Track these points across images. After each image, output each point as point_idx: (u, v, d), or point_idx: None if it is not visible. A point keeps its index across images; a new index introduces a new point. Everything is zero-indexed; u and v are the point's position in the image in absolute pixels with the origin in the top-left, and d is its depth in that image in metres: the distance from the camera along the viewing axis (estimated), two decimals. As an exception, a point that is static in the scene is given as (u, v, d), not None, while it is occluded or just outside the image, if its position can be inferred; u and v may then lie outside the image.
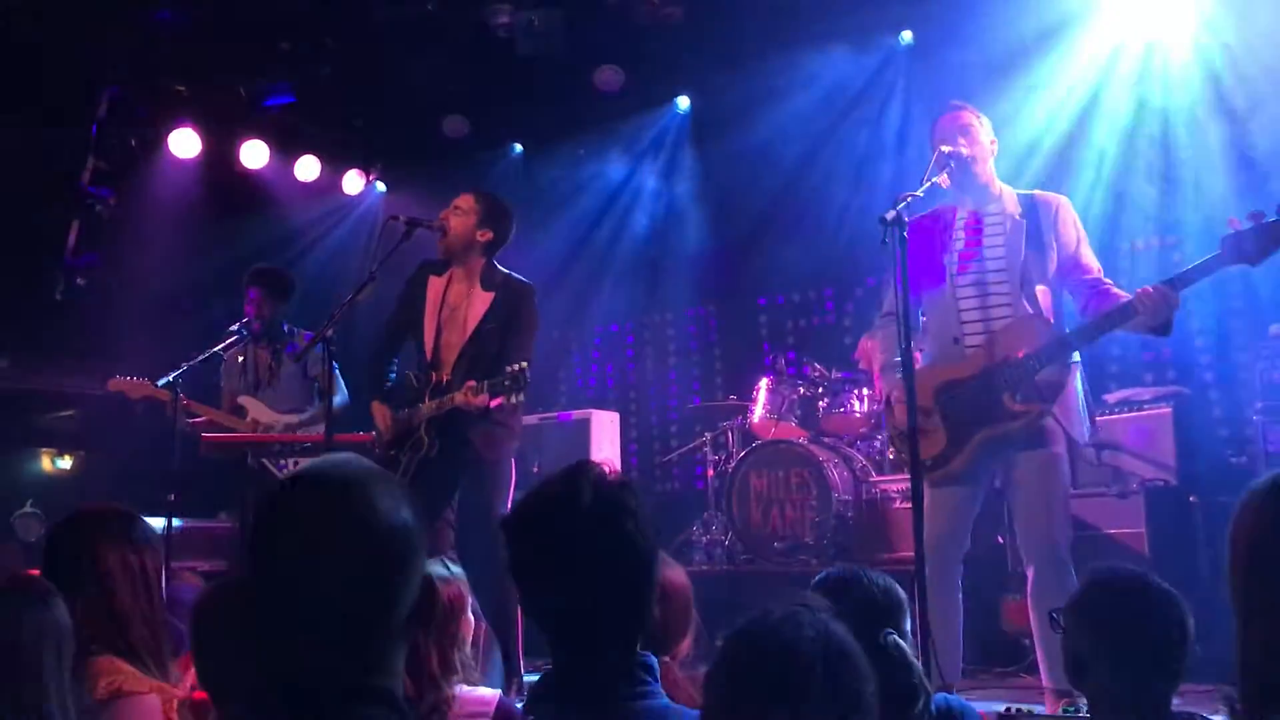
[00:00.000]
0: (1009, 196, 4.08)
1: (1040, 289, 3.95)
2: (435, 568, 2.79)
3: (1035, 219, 4.00)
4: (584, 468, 1.79)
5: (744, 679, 1.43)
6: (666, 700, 1.75)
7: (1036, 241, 3.97)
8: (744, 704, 1.42)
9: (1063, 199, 4.09)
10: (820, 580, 2.37)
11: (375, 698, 1.42)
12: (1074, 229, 4.04)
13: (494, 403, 4.38)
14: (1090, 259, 4.03)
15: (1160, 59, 6.44)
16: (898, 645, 1.94)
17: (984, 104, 4.34)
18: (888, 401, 4.18)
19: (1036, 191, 4.13)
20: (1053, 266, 3.98)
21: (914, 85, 7.18)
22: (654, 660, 1.78)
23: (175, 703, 2.27)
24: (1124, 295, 3.81)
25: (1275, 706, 1.25)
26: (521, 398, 4.35)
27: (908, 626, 2.14)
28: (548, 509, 1.75)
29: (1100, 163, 6.53)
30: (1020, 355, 3.84)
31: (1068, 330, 3.93)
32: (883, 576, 2.26)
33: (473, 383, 4.36)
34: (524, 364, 4.24)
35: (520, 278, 4.76)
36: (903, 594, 2.20)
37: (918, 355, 4.22)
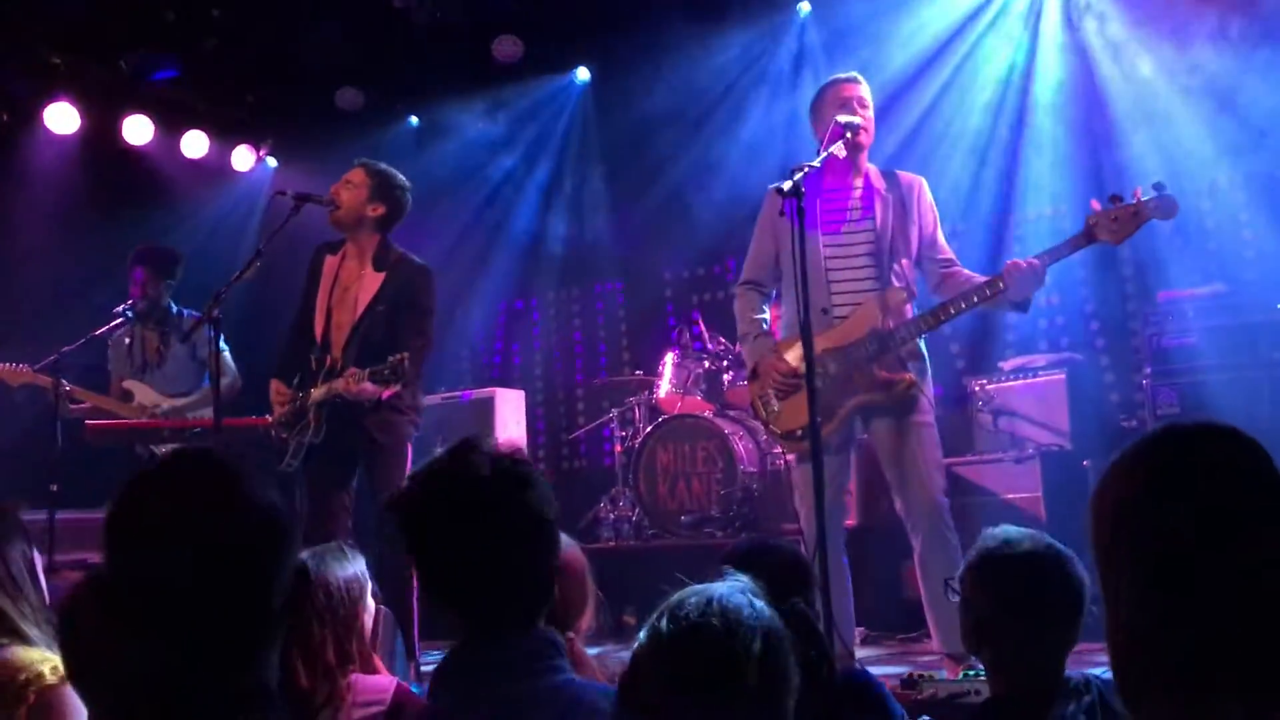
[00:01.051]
0: (874, 171, 4.17)
1: (905, 263, 4.10)
2: (333, 554, 2.71)
3: (899, 194, 4.12)
4: (473, 442, 1.74)
5: (678, 670, 1.40)
6: (574, 676, 1.73)
7: (901, 217, 4.09)
8: (676, 695, 1.37)
9: (922, 179, 4.23)
10: (731, 551, 2.35)
11: (253, 694, 1.35)
12: (931, 210, 4.20)
13: (386, 394, 4.28)
14: (944, 241, 4.20)
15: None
16: (804, 614, 1.93)
17: (874, 75, 4.39)
18: (752, 371, 4.20)
19: (899, 170, 4.25)
20: (915, 243, 4.09)
21: (812, 57, 7.21)
22: (559, 638, 1.75)
23: None
24: (976, 276, 4.00)
25: (1148, 691, 1.22)
26: (414, 383, 4.28)
27: (814, 595, 2.14)
28: (443, 485, 1.70)
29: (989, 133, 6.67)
30: (890, 327, 3.91)
31: (929, 306, 4.02)
32: (791, 547, 2.25)
33: (354, 370, 4.27)
34: (404, 354, 4.14)
35: (415, 258, 4.66)
36: (810, 565, 2.20)
37: (777, 325, 4.29)
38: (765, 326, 4.24)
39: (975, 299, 3.87)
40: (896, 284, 4.01)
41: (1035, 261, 3.77)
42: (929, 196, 4.18)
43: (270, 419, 4.66)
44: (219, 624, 1.34)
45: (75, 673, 2.12)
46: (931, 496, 3.91)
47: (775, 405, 4.10)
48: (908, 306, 4.00)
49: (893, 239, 4.04)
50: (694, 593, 1.47)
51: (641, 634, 1.47)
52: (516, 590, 1.69)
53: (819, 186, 4.10)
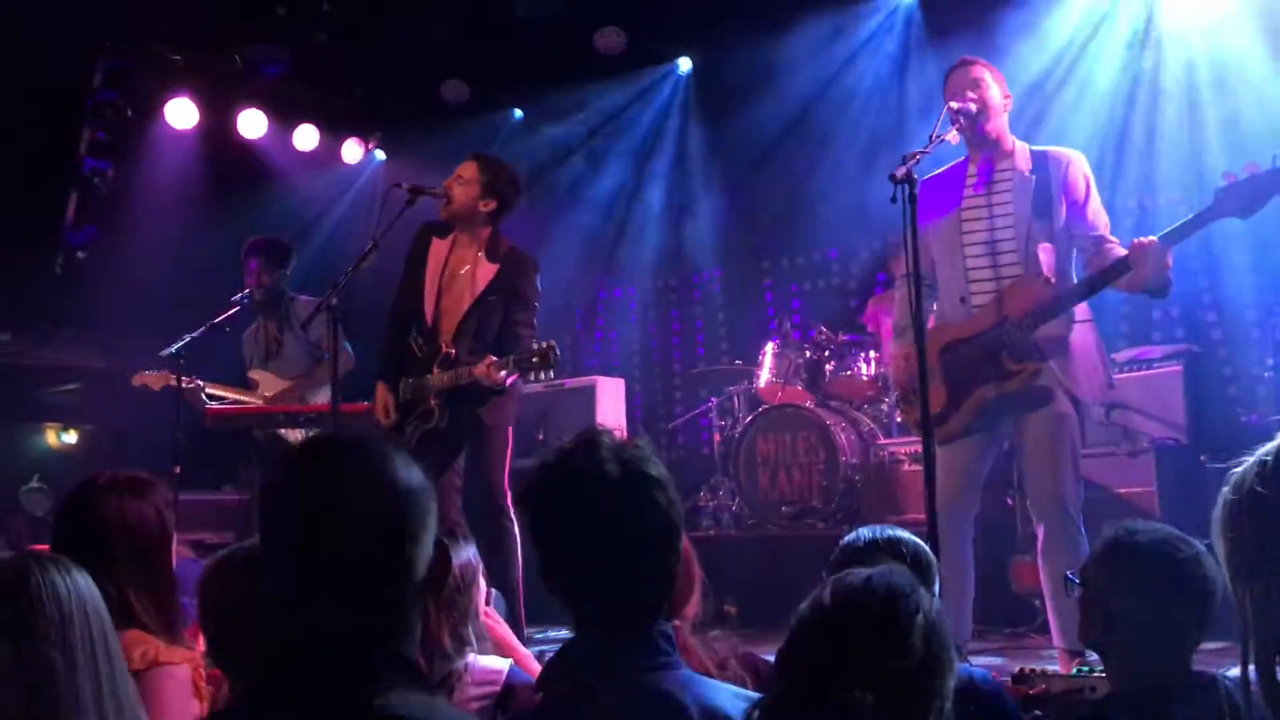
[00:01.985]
0: (1021, 153, 4.02)
1: (1044, 247, 3.92)
2: (448, 539, 2.77)
3: (1045, 176, 3.95)
4: (599, 436, 1.73)
5: (843, 644, 1.39)
6: (688, 670, 1.72)
7: (1044, 199, 3.93)
8: (839, 668, 1.38)
9: (1076, 154, 4.03)
10: (850, 541, 2.33)
11: (396, 664, 1.40)
12: (1083, 184, 3.98)
13: (510, 379, 4.37)
14: (1097, 216, 3.98)
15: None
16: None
17: (999, 59, 4.29)
18: (893, 362, 4.17)
19: (1050, 148, 4.07)
20: (1059, 224, 3.94)
21: (926, 42, 7.10)
22: (671, 630, 1.74)
23: (203, 672, 2.26)
24: (1123, 252, 3.78)
25: None
26: (550, 374, 4.35)
27: (936, 589, 2.11)
28: (572, 482, 1.70)
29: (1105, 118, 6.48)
30: (1019, 314, 3.82)
31: (1064, 289, 3.90)
32: (912, 538, 2.23)
33: (493, 359, 4.33)
34: (551, 343, 4.23)
35: (524, 251, 4.74)
36: (932, 556, 2.18)
37: (932, 316, 4.19)
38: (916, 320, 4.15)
39: (1101, 281, 3.72)
40: (1032, 270, 3.88)
41: (1155, 240, 3.59)
42: (1082, 170, 3.97)
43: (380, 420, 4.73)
44: (371, 595, 1.40)
45: (216, 644, 2.21)
46: (1058, 490, 3.81)
47: (913, 397, 4.05)
48: (1044, 292, 3.84)
49: (1031, 223, 3.90)
50: (851, 573, 1.47)
51: (801, 607, 1.47)
52: (637, 591, 1.69)
53: (960, 172, 4.03)
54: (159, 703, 2.14)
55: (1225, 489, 1.45)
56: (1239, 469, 1.45)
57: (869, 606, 1.41)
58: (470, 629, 2.63)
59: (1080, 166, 4.00)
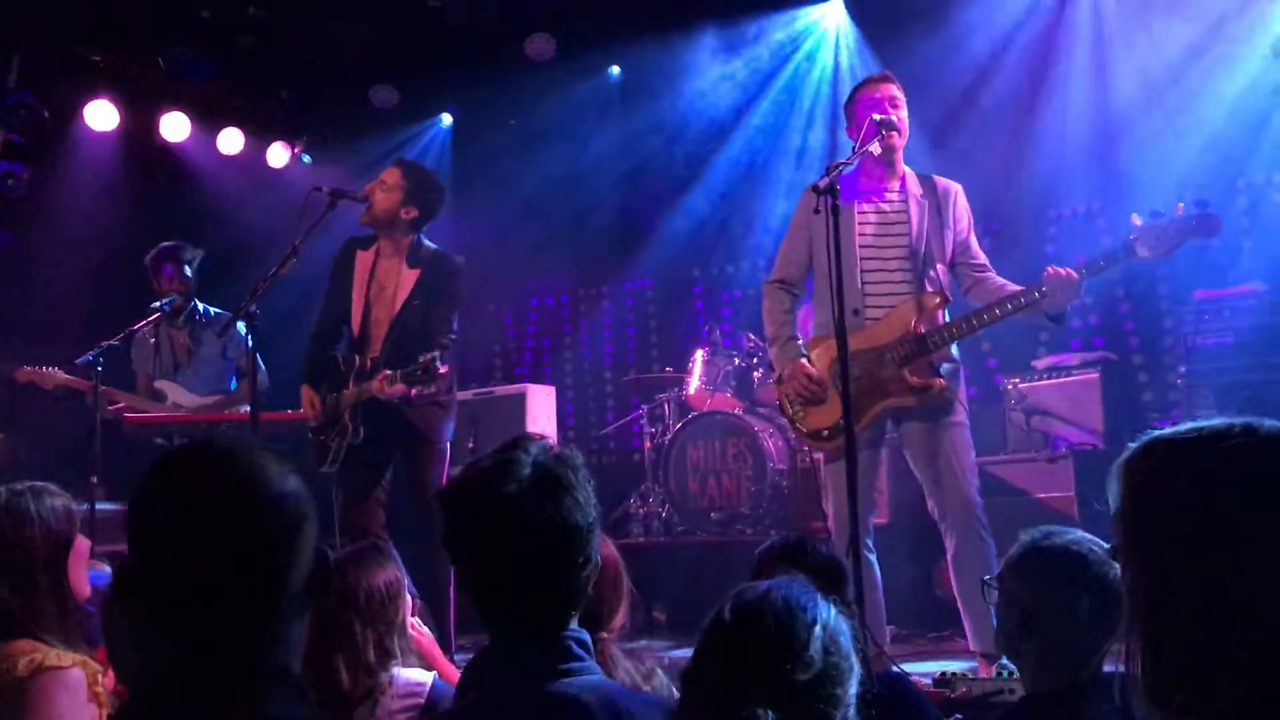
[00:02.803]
0: (910, 175, 4.16)
1: (940, 268, 4.09)
2: (370, 555, 2.75)
3: (936, 200, 4.09)
4: (522, 441, 1.74)
5: (740, 656, 1.41)
6: (601, 676, 1.72)
7: (937, 222, 4.08)
8: (738, 680, 1.39)
9: (958, 185, 4.23)
10: (769, 548, 2.36)
11: (270, 675, 1.37)
12: (966, 216, 4.19)
13: (413, 393, 4.33)
14: (977, 246, 4.19)
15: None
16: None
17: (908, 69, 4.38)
18: (779, 377, 4.20)
19: (935, 176, 4.23)
20: (949, 248, 4.07)
21: (840, 58, 7.22)
22: (588, 636, 1.74)
23: (98, 676, 2.21)
24: (1009, 284, 3.99)
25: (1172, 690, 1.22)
26: (446, 379, 4.32)
27: (850, 595, 2.14)
28: (484, 482, 1.70)
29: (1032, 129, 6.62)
30: (920, 331, 3.90)
31: (963, 311, 4.00)
32: (827, 545, 2.25)
33: (386, 373, 4.31)
34: (434, 354, 4.18)
35: (448, 253, 4.69)
36: (846, 563, 2.21)
37: (809, 325, 4.28)
38: (793, 330, 4.22)
39: (1010, 306, 3.86)
40: (930, 288, 4.00)
41: (1073, 272, 3.74)
42: (964, 201, 4.17)
43: (305, 415, 4.70)
44: (235, 608, 1.37)
45: (112, 658, 2.17)
46: (966, 497, 3.91)
47: (793, 409, 4.13)
48: (941, 312, 3.99)
49: (928, 243, 4.03)
50: (751, 587, 1.49)
51: (704, 624, 1.49)
52: (544, 596, 1.69)
53: (855, 188, 4.10)
54: (47, 707, 2.10)
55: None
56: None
57: (766, 620, 1.42)
58: (396, 642, 2.62)
59: (963, 198, 4.20)
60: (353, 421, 4.50)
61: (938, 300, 3.98)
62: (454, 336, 4.57)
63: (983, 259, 4.16)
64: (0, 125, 6.89)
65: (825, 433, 4.01)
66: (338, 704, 2.47)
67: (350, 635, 2.53)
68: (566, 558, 1.69)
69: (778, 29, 7.31)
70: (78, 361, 5.55)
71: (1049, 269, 3.80)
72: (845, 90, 7.15)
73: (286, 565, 1.40)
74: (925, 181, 4.14)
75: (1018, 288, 3.92)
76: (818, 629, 1.41)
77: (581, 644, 1.71)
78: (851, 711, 1.41)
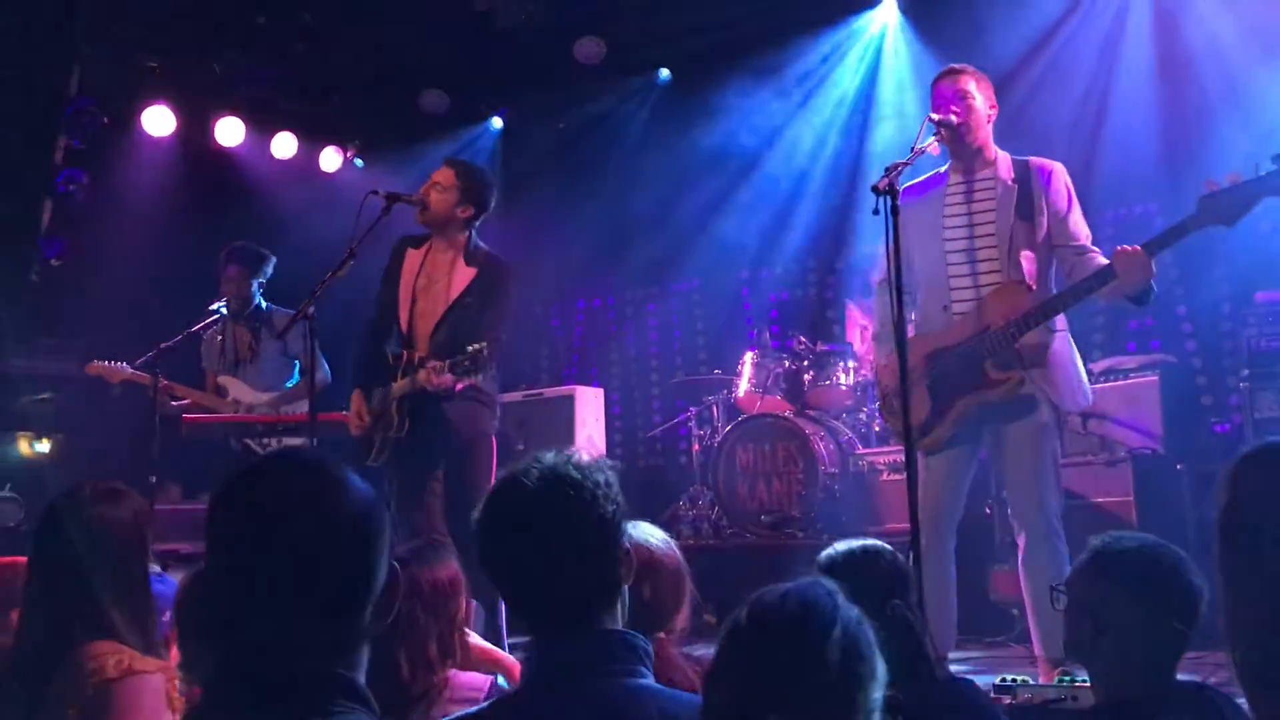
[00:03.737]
0: (1003, 162, 4.04)
1: (1026, 255, 3.93)
2: (430, 550, 2.76)
3: (1028, 185, 3.97)
4: (539, 455, 1.78)
5: (757, 660, 1.40)
6: (650, 680, 1.72)
7: (1026, 208, 3.94)
8: (755, 685, 1.38)
9: (1057, 165, 4.05)
10: (828, 553, 2.34)
11: (337, 686, 1.39)
12: (1065, 194, 4.01)
13: (459, 385, 4.34)
14: (1079, 226, 4.00)
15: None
16: (906, 617, 1.91)
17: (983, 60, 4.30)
18: (877, 372, 4.17)
19: (1032, 158, 4.09)
20: (1041, 233, 3.96)
21: (906, 47, 7.17)
22: (641, 640, 1.74)
23: (175, 681, 2.24)
24: (1105, 261, 3.80)
25: (1270, 677, 1.20)
26: (491, 373, 4.32)
27: (914, 599, 2.12)
28: (498, 491, 1.77)
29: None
30: (1001, 323, 3.83)
31: (1048, 297, 3.91)
32: (889, 549, 2.23)
33: (434, 363, 4.32)
34: (483, 344, 4.19)
35: (501, 257, 4.72)
36: (908, 566, 2.18)
37: (911, 324, 4.21)
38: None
39: (1085, 290, 3.73)
40: (1014, 278, 3.90)
41: (1139, 249, 3.60)
42: (1062, 180, 4.00)
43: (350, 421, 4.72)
44: (306, 619, 1.38)
45: (185, 662, 2.20)
46: (1041, 499, 3.82)
47: (895, 405, 4.05)
48: (1026, 300, 3.85)
49: (1014, 232, 3.91)
50: (771, 589, 1.48)
51: (722, 627, 1.49)
52: (571, 592, 1.71)
53: (942, 181, 4.04)
54: (133, 711, 2.13)
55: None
56: None
57: (783, 623, 1.41)
58: (456, 640, 2.63)
59: (1062, 176, 4.02)
60: (399, 415, 4.53)
61: (1021, 290, 3.85)
62: (500, 337, 4.58)
63: (1084, 240, 3.96)
64: (62, 132, 7.03)
65: (915, 432, 3.92)
66: (397, 697, 2.48)
67: (414, 627, 2.53)
68: (584, 554, 1.70)
69: (830, 30, 7.27)
70: (138, 363, 5.64)
71: (1118, 248, 3.66)
72: (897, 90, 7.17)
73: (359, 579, 1.42)
74: (1019, 165, 4.02)
75: (1096, 268, 3.76)
76: (836, 632, 1.40)
77: (630, 647, 1.71)
78: (876, 717, 1.40)
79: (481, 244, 4.73)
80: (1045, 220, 3.95)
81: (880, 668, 1.43)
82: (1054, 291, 3.95)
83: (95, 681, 2.12)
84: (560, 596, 1.71)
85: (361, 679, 1.44)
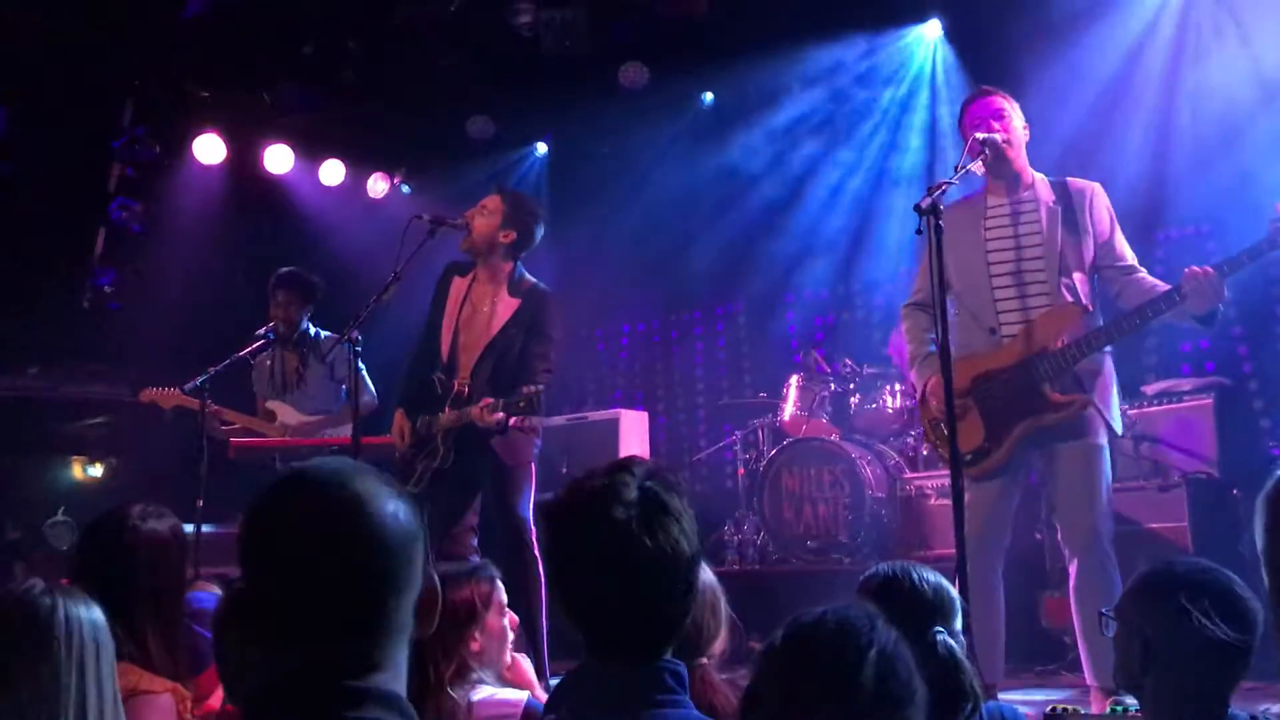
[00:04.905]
0: (1041, 183, 4.00)
1: (1078, 276, 3.88)
2: (460, 566, 2.75)
3: (1070, 206, 3.92)
4: (629, 463, 1.72)
5: (792, 683, 1.38)
6: (692, 710, 1.69)
7: (1073, 228, 3.89)
8: (791, 707, 1.36)
9: (1096, 186, 4.01)
10: (869, 577, 2.30)
11: (377, 700, 1.36)
12: (1107, 216, 3.97)
13: (512, 422, 4.35)
14: (1124, 247, 3.96)
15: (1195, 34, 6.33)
16: (948, 645, 1.87)
17: (1017, 89, 4.27)
18: (922, 394, 4.10)
19: (1069, 179, 4.04)
20: (1089, 254, 3.91)
21: (949, 69, 7.13)
22: (684, 669, 1.71)
23: (188, 703, 2.24)
24: (1160, 284, 3.76)
25: None
26: (535, 420, 4.33)
27: (959, 625, 2.07)
28: (591, 504, 1.68)
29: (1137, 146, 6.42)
30: (1059, 345, 3.76)
31: (1109, 319, 3.85)
32: (934, 574, 2.20)
33: (489, 400, 4.34)
34: (539, 387, 4.22)
35: (544, 286, 4.74)
36: (954, 592, 2.14)
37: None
38: (933, 348, 4.13)
39: (1151, 313, 3.68)
40: (1068, 298, 3.84)
41: (1210, 271, 3.56)
42: (1105, 201, 3.98)
43: (393, 441, 4.76)
44: (342, 633, 1.36)
45: (223, 679, 2.20)
46: (1094, 523, 3.75)
47: (945, 430, 4.00)
48: (1080, 322, 3.80)
49: (1063, 252, 3.86)
50: (808, 611, 1.46)
51: (759, 649, 1.47)
52: (646, 623, 1.66)
53: (983, 203, 4.00)
54: None
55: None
56: None
57: (818, 645, 1.39)
58: (477, 659, 2.59)
59: (1103, 197, 3.99)
60: (444, 445, 4.55)
61: (1076, 311, 3.80)
62: (550, 372, 4.59)
63: (1130, 259, 3.93)
64: (115, 161, 7.17)
65: (969, 456, 3.86)
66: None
67: (418, 649, 2.52)
68: (671, 586, 1.66)
69: (873, 50, 7.25)
70: (186, 388, 5.73)
71: (1187, 269, 3.60)
72: (942, 110, 7.12)
73: (394, 590, 1.39)
74: (1058, 186, 3.99)
75: (1166, 287, 3.71)
76: (871, 654, 1.37)
77: (676, 676, 1.68)
78: None
79: (527, 275, 4.75)
80: (1091, 241, 3.90)
81: (921, 691, 1.41)
82: (1100, 313, 3.89)
83: None
84: (637, 633, 1.66)
85: (401, 688, 1.42)
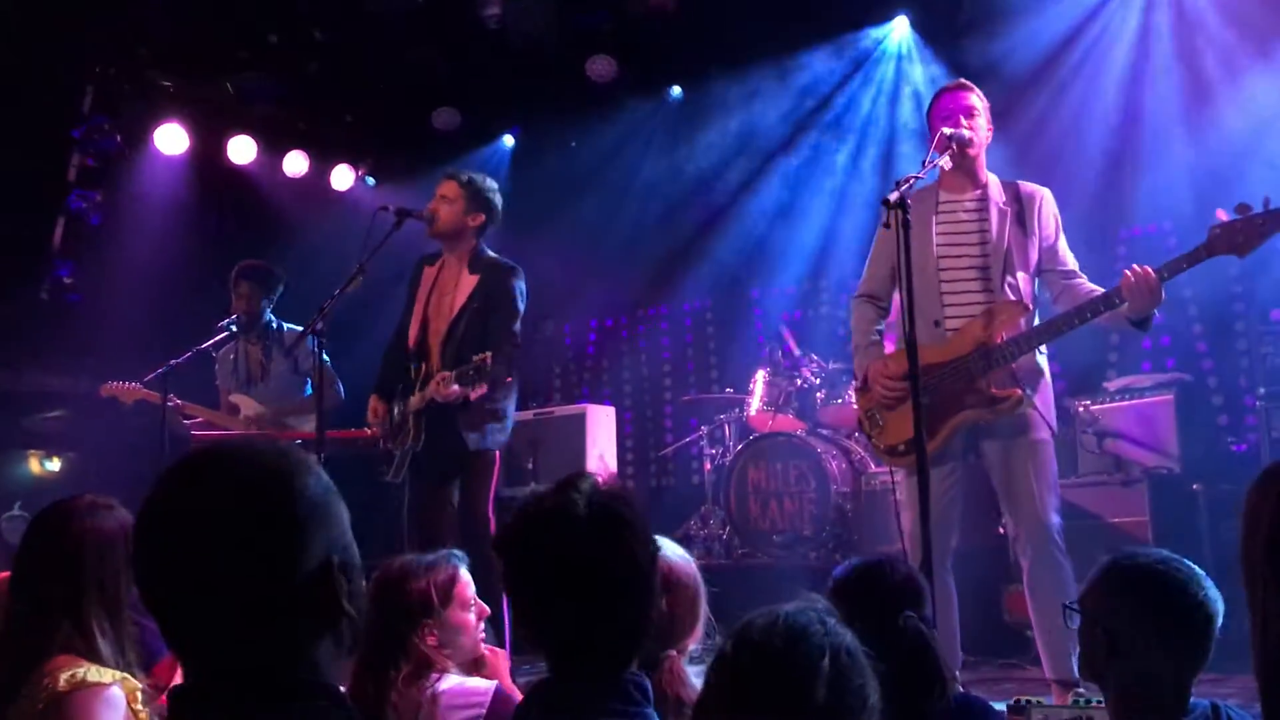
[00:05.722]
0: (994, 183, 4.06)
1: (1022, 276, 3.96)
2: (421, 556, 2.72)
3: (1019, 208, 3.99)
4: (576, 479, 1.73)
5: (742, 693, 1.36)
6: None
7: (1021, 230, 3.97)
8: (744, 706, 1.35)
9: (1046, 191, 4.09)
10: (842, 570, 2.31)
11: (299, 693, 1.31)
12: (1054, 221, 4.06)
13: (474, 394, 4.34)
14: (1067, 253, 4.05)
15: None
16: (918, 627, 1.87)
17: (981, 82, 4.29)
18: (863, 381, 4.12)
19: (1021, 182, 4.11)
20: (1034, 256, 3.98)
21: (906, 76, 7.17)
22: (647, 682, 1.72)
23: (137, 694, 2.21)
24: (1098, 289, 3.84)
25: None
26: (505, 382, 4.32)
27: (928, 612, 2.08)
28: (541, 523, 1.69)
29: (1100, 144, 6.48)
30: (999, 341, 3.80)
31: (1048, 318, 3.89)
32: (905, 565, 2.20)
33: (443, 375, 4.36)
34: (486, 354, 4.19)
35: (506, 261, 4.74)
36: (924, 583, 2.15)
37: (890, 338, 4.21)
38: (877, 339, 4.16)
39: (1090, 314, 3.72)
40: (1010, 297, 3.89)
41: (1151, 272, 3.60)
42: (1051, 208, 4.04)
43: (370, 431, 4.78)
44: (239, 623, 1.30)
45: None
46: (1042, 516, 3.78)
47: (880, 419, 4.03)
48: (1021, 320, 3.86)
49: (1009, 252, 3.92)
50: (762, 613, 1.44)
51: (713, 654, 1.45)
52: (608, 634, 1.66)
53: (935, 198, 4.03)
54: None
55: None
56: None
57: (769, 650, 1.37)
58: (438, 650, 2.56)
59: (1052, 204, 4.07)
60: (416, 429, 4.55)
61: (1017, 309, 3.85)
62: (517, 345, 4.59)
63: (1071, 265, 4.00)
64: (75, 151, 7.06)
65: (901, 447, 3.91)
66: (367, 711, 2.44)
67: (376, 639, 2.50)
68: (630, 595, 1.66)
69: (841, 47, 7.28)
70: (147, 381, 5.65)
71: (1126, 271, 3.63)
72: (909, 106, 7.16)
73: (287, 576, 1.30)
74: (1009, 188, 4.04)
75: (1103, 292, 3.77)
76: (824, 664, 1.36)
77: (640, 688, 1.68)
78: None
79: (487, 251, 4.76)
80: (1037, 243, 3.98)
81: (874, 698, 1.39)
82: (1036, 313, 3.95)
83: (45, 696, 2.10)
84: (600, 647, 1.66)
85: (332, 679, 1.35)
